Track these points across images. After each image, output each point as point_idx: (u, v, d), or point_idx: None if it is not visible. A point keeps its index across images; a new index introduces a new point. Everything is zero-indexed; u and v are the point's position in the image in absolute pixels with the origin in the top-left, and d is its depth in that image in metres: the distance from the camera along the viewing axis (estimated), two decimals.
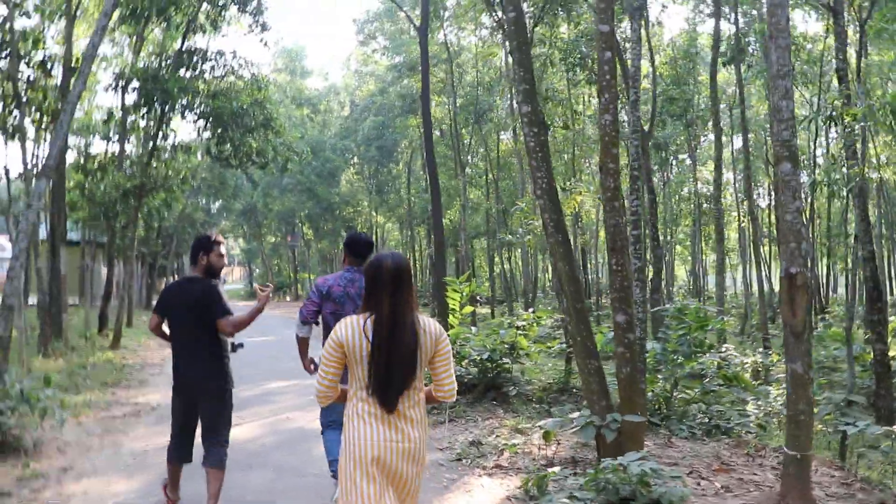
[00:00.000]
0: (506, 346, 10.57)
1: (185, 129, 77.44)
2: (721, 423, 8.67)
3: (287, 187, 45.54)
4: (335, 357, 3.68)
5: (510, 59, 28.79)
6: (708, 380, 9.65)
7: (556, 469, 6.24)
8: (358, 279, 6.04)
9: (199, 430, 5.99)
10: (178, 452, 6.03)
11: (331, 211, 46.26)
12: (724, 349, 11.19)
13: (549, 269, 46.09)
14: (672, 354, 9.41)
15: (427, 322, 3.76)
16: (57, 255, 16.76)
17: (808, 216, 25.78)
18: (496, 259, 38.99)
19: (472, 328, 11.48)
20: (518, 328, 10.65)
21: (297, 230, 52.54)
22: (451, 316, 12.02)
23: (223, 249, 6.05)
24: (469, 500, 6.48)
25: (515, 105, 25.86)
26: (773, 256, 35.07)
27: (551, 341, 11.35)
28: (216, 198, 44.77)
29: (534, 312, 10.65)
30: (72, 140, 29.06)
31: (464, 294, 11.84)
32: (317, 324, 6.22)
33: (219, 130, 18.88)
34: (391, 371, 3.60)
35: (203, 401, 5.88)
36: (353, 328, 3.65)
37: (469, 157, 34.65)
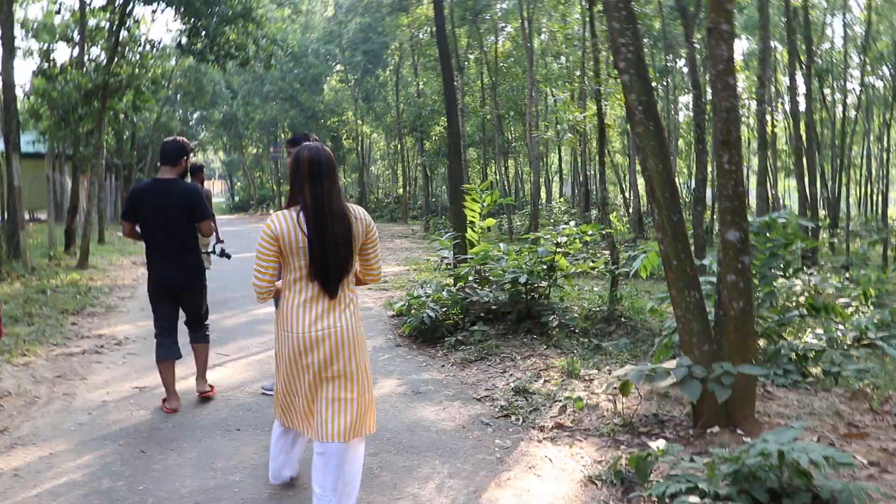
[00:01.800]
0: (543, 266, 8.76)
1: (157, 31, 73.98)
2: (824, 367, 6.90)
3: (268, 95, 43.10)
4: (272, 251, 3.75)
5: None
6: (791, 310, 7.90)
7: (661, 444, 4.51)
8: None
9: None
10: (167, 351, 6.23)
11: (315, 120, 43.79)
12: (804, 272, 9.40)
13: (552, 180, 44.22)
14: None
15: (357, 210, 3.87)
16: (9, 167, 14.71)
17: None
18: (490, 170, 37.03)
19: (501, 245, 9.67)
20: (557, 245, 8.82)
21: (279, 141, 50.08)
22: (469, 230, 10.21)
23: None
24: (537, 484, 4.74)
25: None
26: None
27: (594, 261, 9.52)
28: (194, 107, 42.35)
29: (577, 226, 8.86)
30: (33, 45, 26.72)
31: (485, 204, 10.04)
32: None
33: (190, 21, 16.55)
34: (329, 257, 3.70)
35: (185, 296, 6.32)
36: (287, 220, 3.72)
37: (465, 62, 32.24)
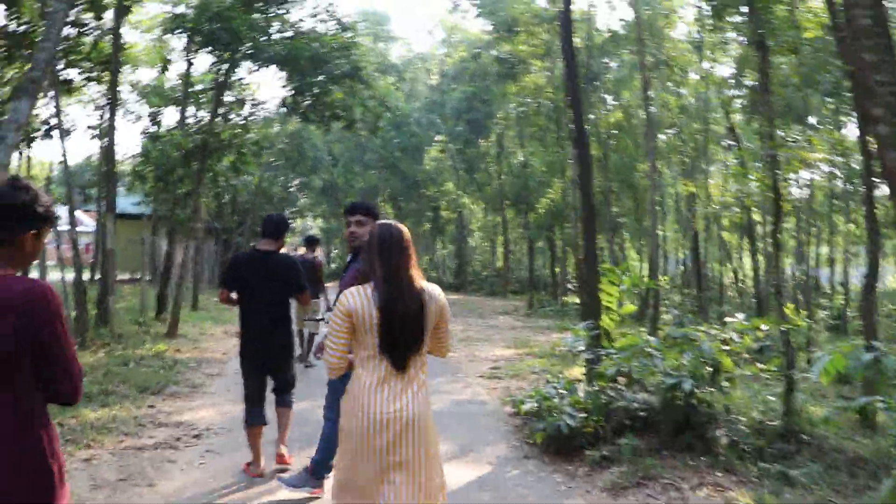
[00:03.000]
0: (708, 368, 7.15)
1: (263, 93, 75.30)
2: None
3: (369, 163, 42.69)
4: (344, 328, 3.61)
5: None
6: None
7: None
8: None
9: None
10: (254, 418, 6.40)
11: (415, 189, 43.15)
12: None
13: (664, 257, 42.23)
14: None
15: (432, 289, 3.72)
16: (103, 227, 13.93)
17: None
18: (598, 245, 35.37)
19: (651, 338, 8.09)
20: (724, 342, 7.23)
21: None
22: (606, 316, 8.71)
23: None
24: None
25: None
26: None
27: (766, 360, 7.82)
28: (295, 173, 42.23)
29: (748, 320, 7.27)
30: (143, 109, 26.74)
31: (623, 288, 8.57)
32: None
33: (296, 80, 15.69)
34: (397, 331, 3.54)
35: (273, 366, 6.49)
36: (361, 297, 3.59)
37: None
